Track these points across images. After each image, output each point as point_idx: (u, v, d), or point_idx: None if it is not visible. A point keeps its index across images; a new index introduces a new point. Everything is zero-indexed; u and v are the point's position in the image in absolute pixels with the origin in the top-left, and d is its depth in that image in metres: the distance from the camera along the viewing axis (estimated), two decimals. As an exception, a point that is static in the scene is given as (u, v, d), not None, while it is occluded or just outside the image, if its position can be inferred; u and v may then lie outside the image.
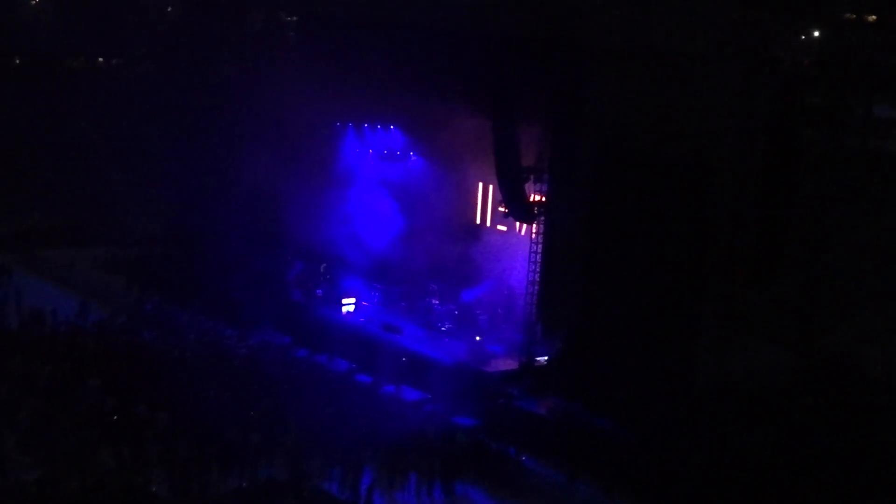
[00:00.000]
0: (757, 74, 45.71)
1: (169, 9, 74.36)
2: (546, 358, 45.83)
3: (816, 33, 60.98)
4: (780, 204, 43.92)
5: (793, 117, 45.05)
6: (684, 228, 41.71)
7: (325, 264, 53.16)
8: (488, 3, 46.24)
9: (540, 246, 45.92)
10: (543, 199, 45.91)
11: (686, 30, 45.25)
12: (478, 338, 47.51)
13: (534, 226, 46.16)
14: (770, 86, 45.92)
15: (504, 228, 50.39)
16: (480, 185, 51.63)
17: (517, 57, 44.71)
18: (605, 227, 43.96)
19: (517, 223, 48.63)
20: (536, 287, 45.91)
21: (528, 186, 45.94)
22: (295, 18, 55.51)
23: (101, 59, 78.79)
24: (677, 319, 42.02)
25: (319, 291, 52.65)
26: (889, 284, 47.57)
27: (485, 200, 51.83)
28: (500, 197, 47.87)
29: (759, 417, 41.34)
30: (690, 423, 40.50)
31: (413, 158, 53.76)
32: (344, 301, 51.61)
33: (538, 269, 45.87)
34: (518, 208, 46.31)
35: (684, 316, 42.05)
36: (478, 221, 51.92)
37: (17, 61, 76.45)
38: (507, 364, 46.14)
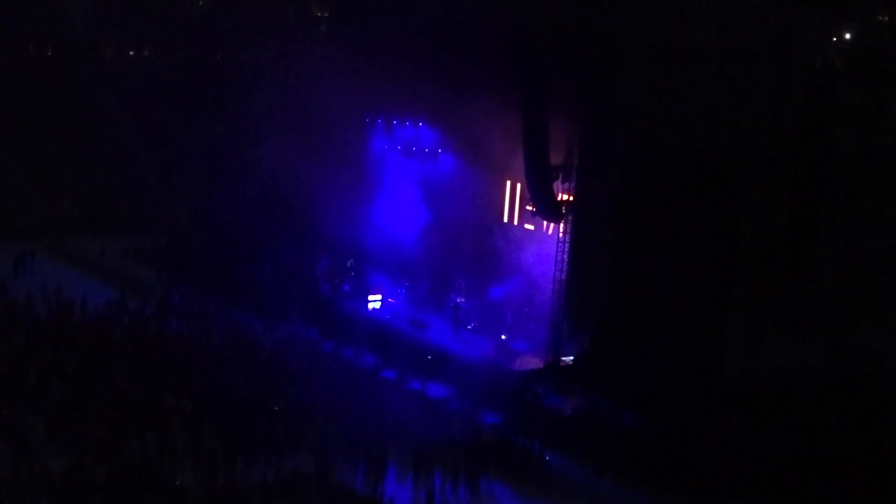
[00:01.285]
0: (790, 72, 45.64)
1: (200, 2, 74.61)
2: (572, 356, 45.82)
3: (848, 35, 60.88)
4: (811, 201, 43.89)
5: (825, 115, 45.00)
6: (715, 224, 41.66)
7: (351, 259, 53.29)
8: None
9: (567, 245, 45.86)
10: (571, 198, 45.83)
11: (720, 26, 45.20)
12: (504, 335, 47.52)
13: (561, 224, 46.10)
14: (803, 84, 45.86)
15: (531, 227, 50.34)
16: (508, 182, 51.54)
17: (548, 52, 44.58)
18: (634, 222, 43.91)
19: (544, 222, 48.57)
20: (563, 285, 45.85)
21: (556, 185, 45.86)
22: (326, 13, 55.56)
23: (132, 51, 79.10)
24: (706, 315, 41.99)
25: (346, 287, 52.77)
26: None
27: (512, 198, 51.73)
28: (527, 195, 47.84)
29: (786, 414, 41.27)
30: (717, 419, 40.46)
31: (441, 155, 53.73)
32: (370, 297, 51.76)
33: (565, 268, 45.80)
34: (546, 207, 46.22)
35: (713, 312, 42.02)
36: (505, 220, 51.83)
37: (49, 53, 76.79)
38: (533, 362, 46.21)
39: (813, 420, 41.17)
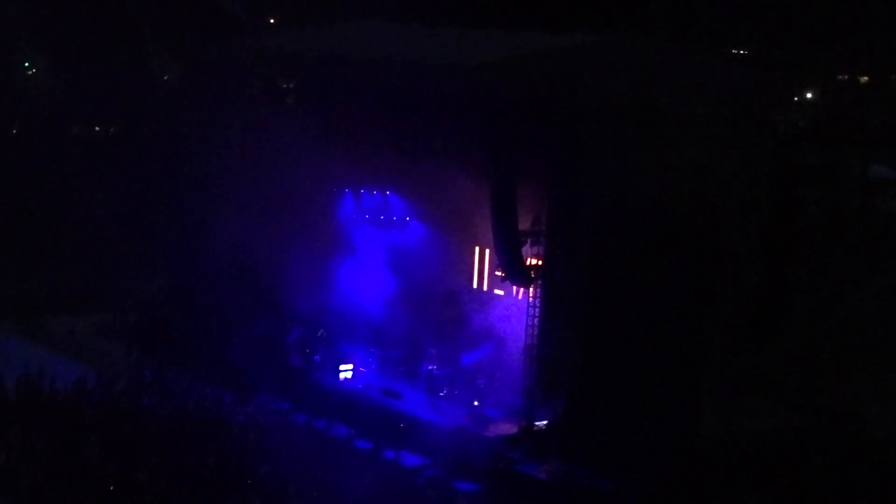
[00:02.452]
0: (756, 135, 46.05)
1: (166, 77, 74.77)
2: (546, 421, 45.67)
3: (810, 95, 61.53)
4: (781, 262, 44.13)
5: (792, 177, 45.34)
6: (686, 287, 41.76)
7: (322, 330, 53.11)
8: (489, 68, 46.43)
9: (537, 309, 45.88)
10: (540, 262, 45.90)
11: (685, 91, 45.63)
12: (476, 402, 47.34)
13: (531, 289, 46.12)
14: (768, 146, 46.25)
15: (501, 293, 50.41)
16: (477, 248, 51.66)
17: (514, 119, 44.81)
18: (605, 286, 43.96)
19: (514, 287, 48.58)
20: (535, 350, 45.82)
21: (525, 250, 45.95)
22: (292, 84, 55.74)
23: (97, 128, 79.12)
24: (680, 380, 41.98)
25: (317, 357, 52.57)
26: (891, 341, 47.65)
27: (482, 264, 51.86)
28: (497, 261, 47.92)
29: (763, 478, 41.18)
30: (694, 485, 40.32)
31: (410, 222, 53.84)
32: (341, 367, 51.51)
33: (536, 332, 45.79)
34: (515, 272, 46.30)
35: (687, 376, 42.03)
36: (475, 286, 51.89)
37: (15, 131, 76.74)
38: (507, 428, 45.97)
39: (790, 483, 41.10)
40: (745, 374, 45.41)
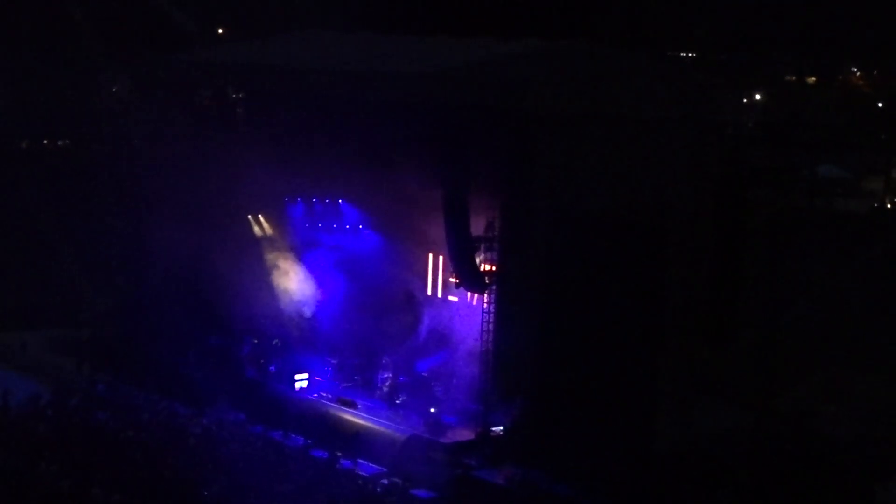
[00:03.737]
0: (704, 138, 46.31)
1: (115, 88, 74.35)
2: (502, 427, 45.72)
3: (758, 96, 61.86)
4: (732, 265, 44.36)
5: (740, 179, 45.61)
6: (638, 291, 41.94)
7: (277, 340, 53.00)
8: (438, 76, 46.47)
9: (492, 315, 45.93)
10: (494, 268, 45.97)
11: (634, 96, 45.82)
12: (433, 409, 47.34)
13: (485, 295, 46.18)
14: (717, 149, 46.53)
15: (455, 299, 50.45)
16: (431, 255, 51.70)
17: (464, 127, 44.85)
18: (558, 292, 44.12)
19: (468, 293, 48.65)
20: (490, 356, 45.86)
21: (479, 256, 46.02)
22: (242, 95, 55.61)
23: (45, 141, 78.66)
24: (635, 383, 42.11)
25: (272, 367, 52.43)
26: (842, 340, 48.01)
27: (435, 271, 51.87)
28: (450, 267, 47.97)
29: (719, 480, 41.37)
30: (651, 487, 40.48)
31: (363, 230, 53.83)
32: (297, 377, 51.39)
33: (491, 339, 45.83)
34: (469, 278, 46.35)
35: (642, 379, 42.16)
36: (429, 292, 51.90)
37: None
38: (464, 434, 45.96)
39: (746, 484, 41.32)
40: (699, 375, 45.62)
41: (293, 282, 53.84)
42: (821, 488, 41.31)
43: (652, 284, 41.94)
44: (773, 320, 48.42)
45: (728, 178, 45.61)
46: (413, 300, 51.46)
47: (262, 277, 53.55)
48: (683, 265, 43.43)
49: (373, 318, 51.62)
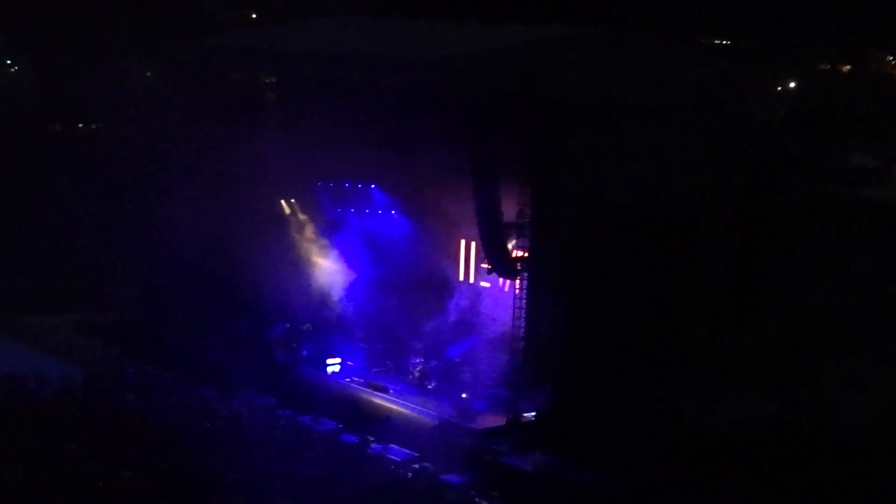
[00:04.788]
0: (734, 125, 46.10)
1: (147, 74, 74.56)
2: (532, 413, 45.68)
3: (792, 84, 61.56)
4: (759, 251, 44.18)
5: (770, 166, 45.39)
6: (665, 279, 41.82)
7: (308, 324, 53.01)
8: (464, 62, 46.40)
9: (523, 301, 45.86)
10: (526, 254, 45.90)
11: (663, 82, 45.65)
12: (464, 394, 47.32)
13: (517, 281, 46.11)
14: (746, 136, 46.32)
15: (487, 285, 50.43)
16: (463, 241, 51.65)
17: (494, 114, 44.81)
18: (585, 280, 44.03)
19: (500, 279, 48.58)
20: (521, 342, 45.79)
21: (511, 242, 45.98)
22: (273, 79, 55.59)
23: (80, 124, 78.86)
24: (661, 371, 42.01)
25: (304, 352, 52.48)
26: (867, 330, 47.75)
27: (467, 257, 51.83)
28: (482, 253, 47.91)
29: (743, 467, 41.28)
30: (676, 473, 40.42)
31: (395, 216, 53.78)
32: (329, 361, 51.43)
33: (522, 325, 45.77)
34: (500, 264, 46.32)
35: (668, 367, 42.05)
36: (461, 278, 51.85)
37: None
38: (494, 420, 45.93)
39: (769, 472, 41.22)
40: (724, 363, 45.49)
41: (324, 266, 53.87)
42: (843, 477, 41.16)
43: (677, 271, 41.80)
44: (797, 309, 48.17)
45: (756, 165, 45.42)
46: (444, 285, 51.39)
47: (293, 262, 53.60)
48: (709, 252, 43.30)
49: (404, 303, 51.60)
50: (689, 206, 42.92)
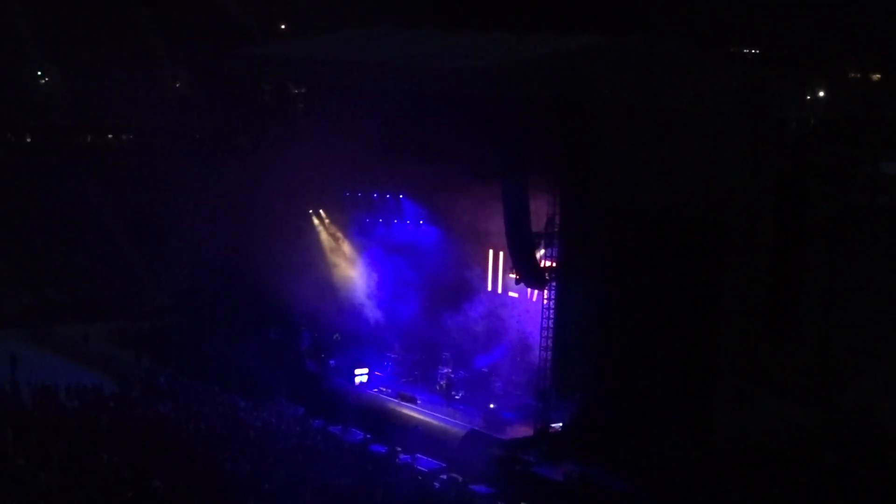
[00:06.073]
0: (766, 133, 46.00)
1: (177, 84, 75.01)
2: (561, 423, 45.68)
3: (822, 93, 61.42)
4: (792, 260, 44.07)
5: (802, 174, 45.30)
6: (698, 287, 41.81)
7: (337, 334, 53.16)
8: (496, 71, 46.41)
9: (552, 311, 45.83)
10: (554, 264, 45.89)
11: (694, 90, 45.60)
12: (492, 405, 47.35)
13: (545, 291, 46.10)
14: (778, 144, 46.22)
15: (516, 295, 50.37)
16: (491, 251, 51.67)
17: (525, 122, 44.81)
18: (618, 288, 44.00)
19: (528, 289, 48.58)
20: (550, 352, 45.77)
21: (539, 252, 45.96)
22: (303, 90, 55.77)
23: (110, 135, 79.37)
24: (694, 379, 41.97)
25: (332, 361, 52.64)
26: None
27: (496, 266, 51.82)
28: (511, 263, 47.92)
29: (779, 477, 41.11)
30: (710, 484, 40.30)
31: (423, 226, 53.86)
32: (357, 371, 51.57)
33: (551, 335, 45.75)
34: (529, 274, 46.29)
35: (701, 376, 42.02)
36: (489, 288, 51.87)
37: (29, 140, 77.03)
38: (523, 430, 45.96)
39: (806, 482, 41.02)
40: (759, 373, 45.35)
41: (353, 276, 54.03)
42: (882, 485, 40.95)
43: (710, 279, 41.78)
44: (832, 317, 48.00)
45: (789, 173, 45.32)
46: (472, 295, 51.41)
47: (323, 272, 53.76)
48: (743, 260, 43.26)
49: (432, 313, 51.67)
50: (722, 214, 42.87)
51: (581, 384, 45.39)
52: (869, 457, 42.85)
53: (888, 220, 52.80)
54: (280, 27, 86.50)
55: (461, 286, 51.82)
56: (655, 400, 42.52)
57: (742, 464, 41.72)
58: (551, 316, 45.83)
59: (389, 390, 50.34)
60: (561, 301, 45.83)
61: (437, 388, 49.90)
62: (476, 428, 45.99)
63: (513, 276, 48.45)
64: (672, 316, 42.17)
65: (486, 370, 49.51)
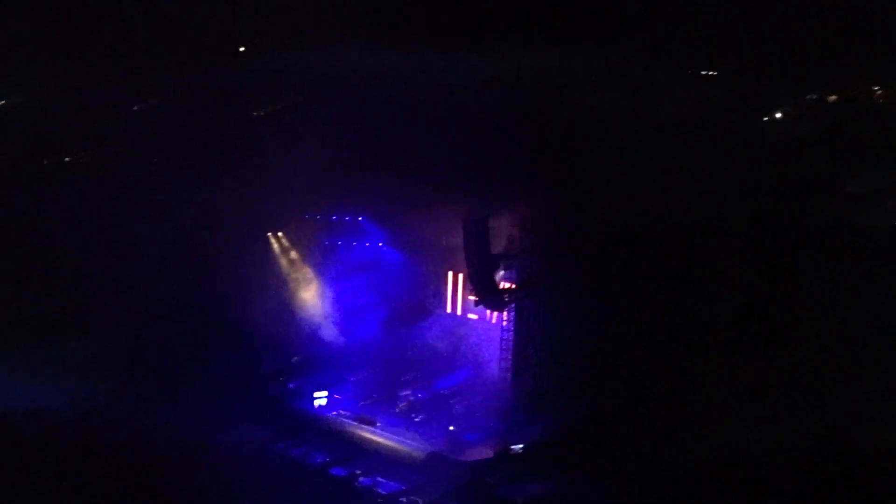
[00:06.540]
0: (754, 145, 46.15)
1: (143, 104, 74.57)
2: (522, 445, 45.66)
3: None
4: (781, 272, 44.15)
5: (786, 188, 45.44)
6: (672, 305, 41.81)
7: (296, 357, 53.10)
8: (471, 90, 46.43)
9: (511, 333, 45.89)
10: (513, 286, 45.94)
11: (679, 105, 45.66)
12: (452, 427, 47.36)
13: (504, 313, 46.15)
14: (767, 156, 46.40)
15: (475, 316, 50.42)
16: (451, 273, 51.69)
17: (489, 143, 44.85)
18: (586, 306, 43.96)
19: (488, 311, 48.60)
20: (509, 374, 45.80)
21: (498, 274, 46.00)
22: (263, 113, 55.68)
23: (88, 151, 78.84)
24: (665, 397, 41.97)
25: (292, 385, 52.56)
26: (891, 351, 47.71)
27: (455, 288, 51.84)
28: (470, 285, 47.94)
29: (764, 488, 41.13)
30: (698, 494, 40.31)
31: (383, 248, 53.86)
32: (316, 394, 51.53)
33: (509, 356, 45.79)
34: (488, 296, 46.36)
35: (682, 390, 42.02)
36: (449, 310, 51.89)
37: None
38: (484, 452, 45.93)
39: (796, 491, 41.06)
40: (747, 382, 45.42)
41: (313, 299, 53.97)
42: (873, 496, 41.03)
43: (691, 293, 41.82)
44: (820, 329, 48.11)
45: (778, 185, 45.51)
46: (432, 317, 51.44)
47: (283, 294, 53.69)
48: (730, 271, 43.30)
49: (392, 336, 51.67)
50: (707, 228, 42.96)
51: (542, 405, 45.38)
52: (860, 466, 42.95)
53: (870, 235, 53.11)
54: (251, 45, 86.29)
55: (421, 308, 51.88)
56: (621, 419, 42.52)
57: (727, 475, 41.73)
58: (510, 337, 45.90)
59: (349, 413, 50.31)
60: (520, 322, 45.87)
61: (398, 410, 49.92)
62: (437, 450, 45.98)
63: (472, 297, 48.52)
64: (647, 333, 42.17)
65: (446, 392, 49.53)
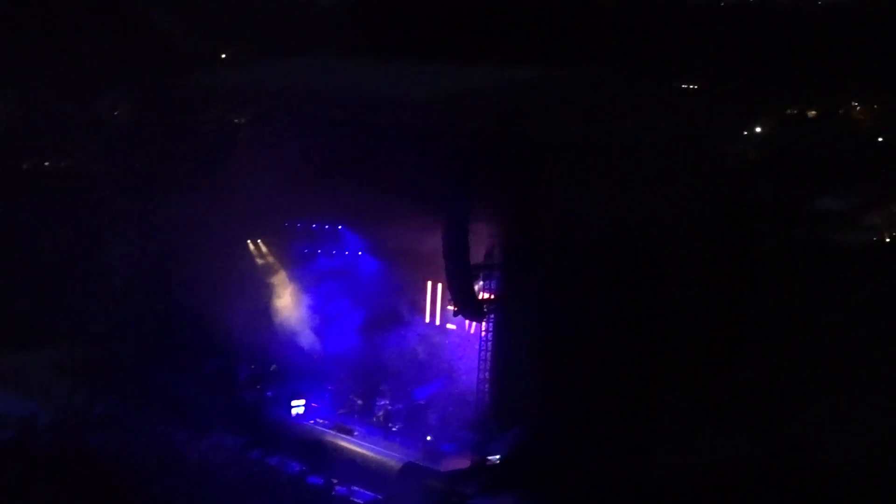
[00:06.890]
0: (706, 168, 46.30)
1: (116, 112, 74.35)
2: (499, 456, 45.59)
3: (759, 129, 61.96)
4: (735, 294, 44.28)
5: (743, 210, 45.59)
6: (640, 320, 41.89)
7: (274, 365, 52.94)
8: (440, 102, 46.48)
9: (490, 343, 45.88)
10: (492, 296, 45.94)
11: (637, 124, 45.79)
12: (429, 437, 47.26)
13: (483, 323, 46.14)
14: (719, 179, 46.53)
15: (454, 327, 50.38)
16: (430, 282, 51.64)
17: (467, 153, 44.86)
18: (558, 321, 43.99)
19: (467, 321, 48.57)
20: (487, 385, 45.76)
21: (477, 284, 45.98)
22: (244, 119, 55.60)
23: (46, 162, 78.52)
24: (636, 412, 42.01)
25: (269, 393, 52.37)
26: (848, 370, 47.85)
27: (434, 298, 51.79)
28: (449, 295, 47.90)
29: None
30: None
31: (362, 257, 53.78)
32: (293, 403, 51.37)
33: (488, 367, 45.77)
34: (467, 306, 46.34)
35: (643, 408, 42.07)
36: (427, 320, 51.83)
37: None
38: (460, 463, 45.83)
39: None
40: (702, 403, 45.45)
41: (291, 307, 53.80)
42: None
43: (652, 313, 41.92)
44: (776, 349, 48.24)
45: (730, 207, 45.63)
46: (411, 327, 51.39)
47: (260, 302, 53.45)
48: (686, 293, 43.38)
49: (370, 345, 51.58)
50: (665, 248, 43.05)
51: (519, 416, 45.34)
52: (813, 488, 43.03)
53: (829, 255, 53.28)
54: (221, 55, 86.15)
55: (399, 317, 51.80)
56: (595, 432, 42.53)
57: (684, 496, 41.76)
58: (489, 348, 45.89)
59: (326, 422, 50.16)
60: (498, 333, 45.86)
61: (375, 419, 49.80)
62: (413, 460, 45.88)
63: (451, 307, 48.50)
64: (613, 348, 42.26)
65: (423, 402, 49.41)
